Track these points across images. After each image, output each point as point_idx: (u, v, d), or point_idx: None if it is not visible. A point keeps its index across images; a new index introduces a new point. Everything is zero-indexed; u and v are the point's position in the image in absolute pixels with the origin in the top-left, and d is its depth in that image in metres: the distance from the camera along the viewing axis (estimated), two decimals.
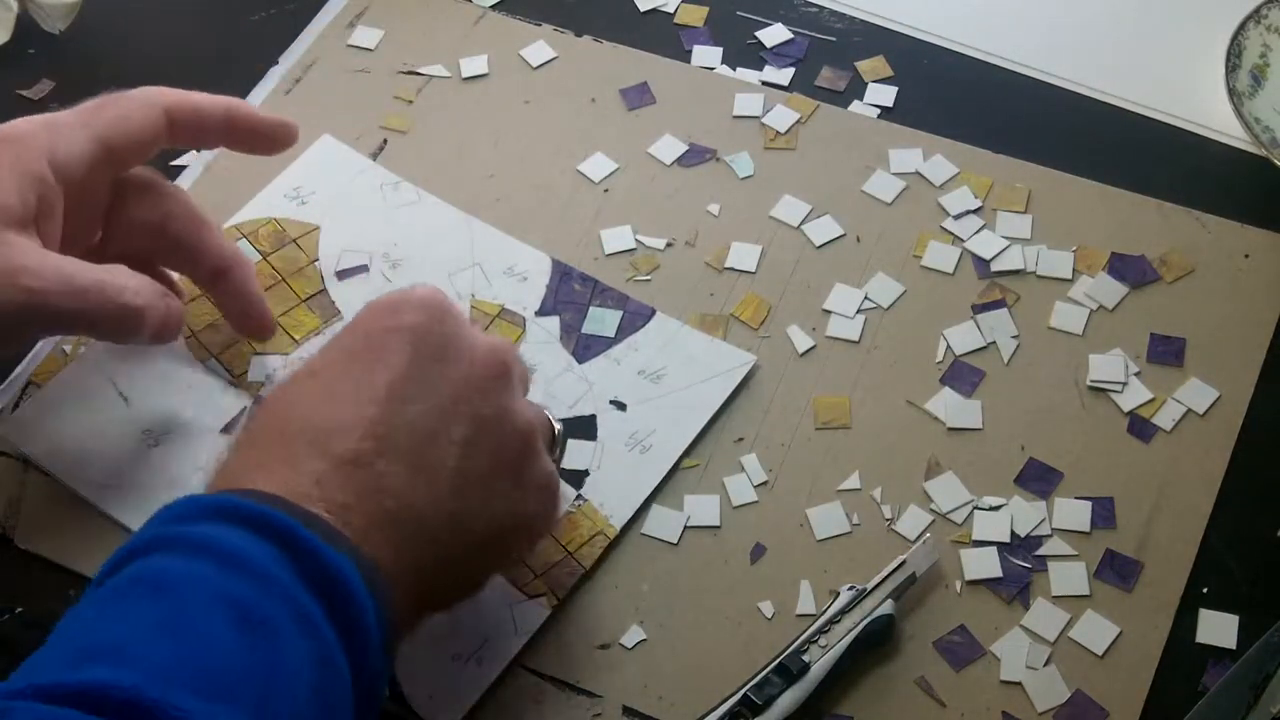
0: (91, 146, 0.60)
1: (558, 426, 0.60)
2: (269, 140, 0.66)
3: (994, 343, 0.68)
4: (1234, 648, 0.60)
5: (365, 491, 0.50)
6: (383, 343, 0.53)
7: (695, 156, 0.75)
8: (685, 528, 0.64)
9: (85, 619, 0.46)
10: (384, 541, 0.49)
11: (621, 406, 0.67)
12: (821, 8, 0.81)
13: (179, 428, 0.66)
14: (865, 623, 0.59)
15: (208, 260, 0.64)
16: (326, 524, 0.48)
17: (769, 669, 0.58)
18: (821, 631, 0.59)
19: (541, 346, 0.68)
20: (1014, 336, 0.68)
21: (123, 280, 0.58)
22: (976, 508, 0.63)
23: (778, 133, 0.75)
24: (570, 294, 0.70)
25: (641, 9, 0.81)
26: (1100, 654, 0.60)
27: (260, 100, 0.78)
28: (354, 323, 0.55)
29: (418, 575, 0.51)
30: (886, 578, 0.60)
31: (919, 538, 0.62)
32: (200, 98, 0.65)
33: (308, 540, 0.47)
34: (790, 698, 0.57)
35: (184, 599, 0.45)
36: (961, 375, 0.67)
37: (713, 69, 0.78)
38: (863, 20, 0.80)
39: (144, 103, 0.63)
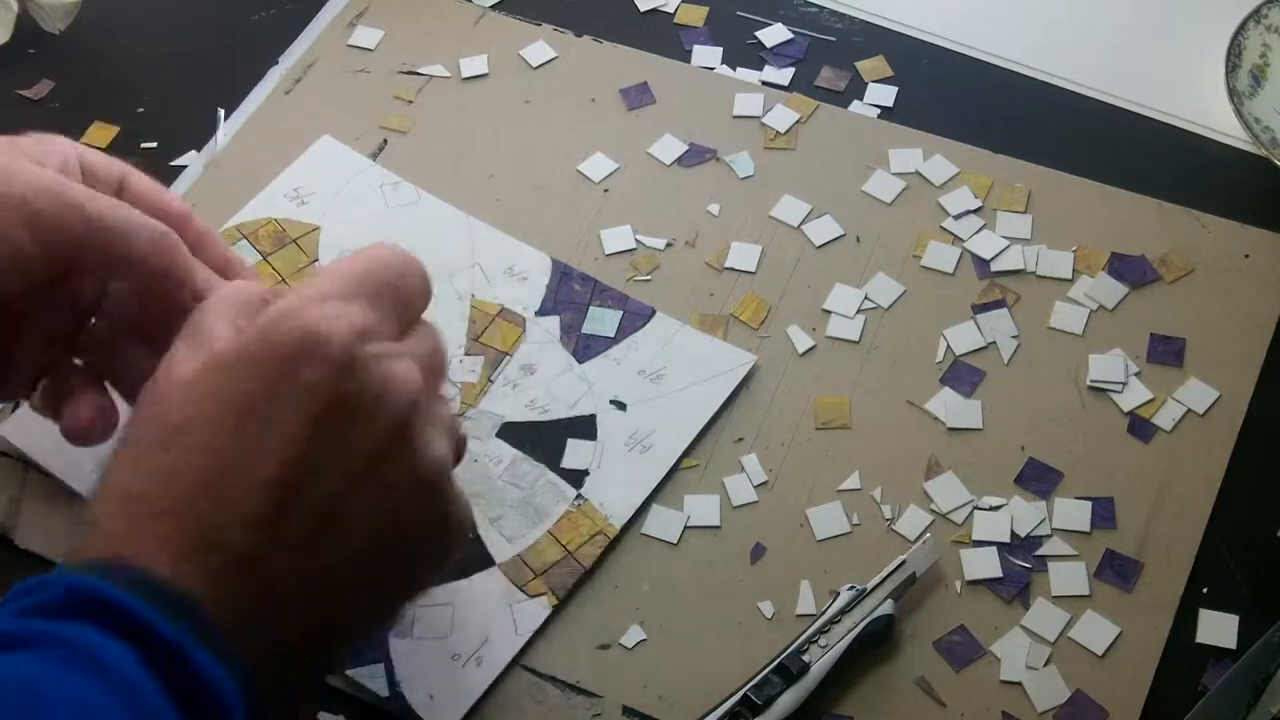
0: (113, 168, 0.58)
1: (463, 428, 0.54)
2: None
3: (994, 343, 0.68)
4: (1234, 648, 0.60)
5: (257, 589, 0.45)
6: (281, 398, 0.45)
7: (695, 156, 0.75)
8: (685, 528, 0.64)
9: None
10: (271, 624, 0.45)
11: (621, 406, 0.67)
12: (821, 8, 0.81)
13: None
14: (865, 623, 0.59)
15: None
16: (205, 617, 0.43)
17: (769, 669, 0.58)
18: (821, 631, 0.59)
19: (541, 346, 0.68)
20: (1014, 336, 0.68)
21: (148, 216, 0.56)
22: (976, 508, 0.63)
23: (778, 133, 0.75)
24: (570, 294, 0.70)
25: (641, 9, 0.81)
26: (1100, 654, 0.60)
27: (260, 100, 0.78)
28: (250, 352, 0.46)
29: (311, 641, 0.47)
30: (886, 578, 0.60)
31: (919, 538, 0.62)
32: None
33: (179, 648, 0.42)
34: (790, 698, 0.57)
35: (43, 712, 0.40)
36: (961, 375, 0.67)
37: (713, 69, 0.78)
38: (863, 20, 0.80)
39: (167, 197, 0.59)
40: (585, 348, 0.69)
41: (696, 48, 0.79)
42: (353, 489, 0.46)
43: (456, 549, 0.51)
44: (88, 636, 0.41)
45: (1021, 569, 0.62)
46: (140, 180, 0.58)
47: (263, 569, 0.45)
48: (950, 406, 0.66)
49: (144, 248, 0.55)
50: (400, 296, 0.49)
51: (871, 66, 0.78)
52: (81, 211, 0.53)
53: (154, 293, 0.56)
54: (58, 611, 0.42)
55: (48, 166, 0.55)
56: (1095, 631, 0.60)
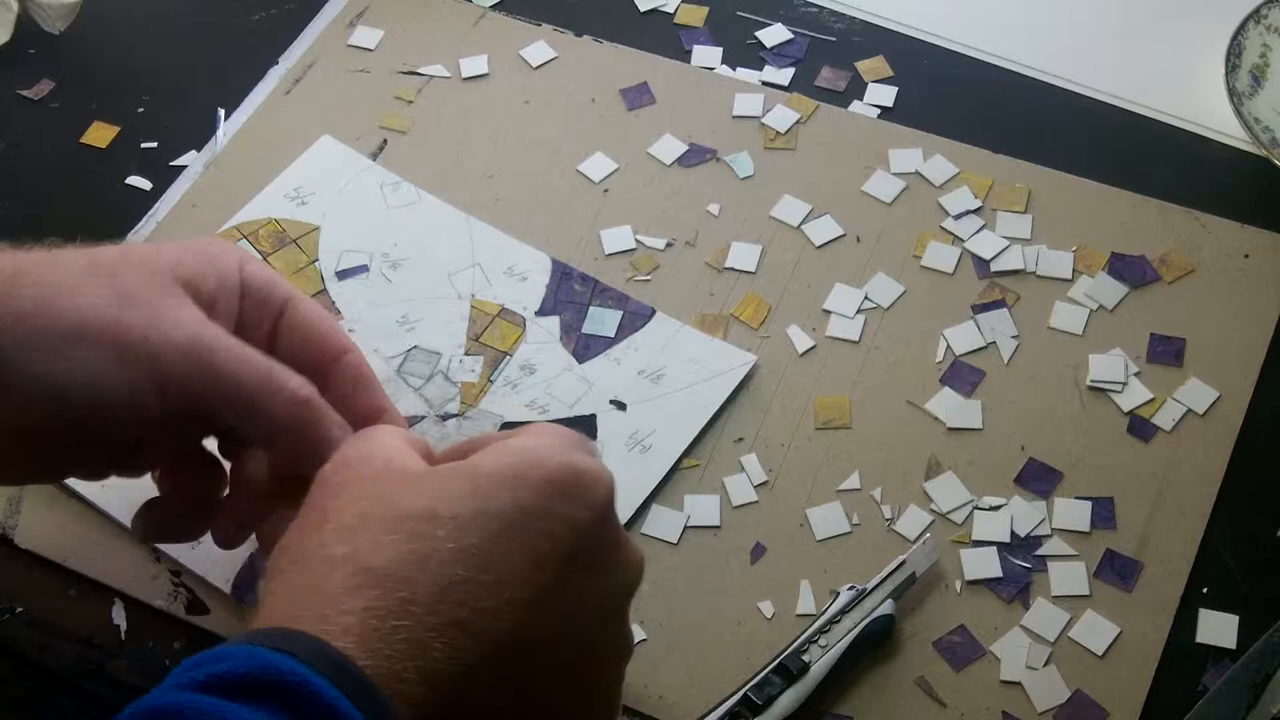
0: (276, 293, 0.55)
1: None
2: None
3: (994, 343, 0.68)
4: (1234, 648, 0.60)
5: (465, 706, 0.44)
6: (544, 526, 0.45)
7: (695, 156, 0.75)
8: (685, 528, 0.64)
9: None
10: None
11: (621, 406, 0.67)
12: (821, 8, 0.81)
13: None
14: (865, 623, 0.59)
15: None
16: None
17: (769, 669, 0.58)
18: (821, 631, 0.59)
19: (541, 346, 0.68)
20: (1014, 336, 0.68)
21: (291, 371, 0.53)
22: (976, 508, 0.63)
23: (778, 133, 0.75)
24: (570, 294, 0.70)
25: (641, 9, 0.81)
26: (1100, 654, 0.60)
27: (260, 100, 0.78)
28: (518, 473, 0.46)
29: None
30: (886, 578, 0.60)
31: (919, 538, 0.62)
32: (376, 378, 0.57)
33: None
34: (790, 698, 0.57)
35: None
36: (961, 375, 0.67)
37: (713, 69, 0.78)
38: (863, 20, 0.80)
39: (337, 328, 0.57)
40: (585, 348, 0.69)
41: (696, 48, 0.79)
42: (577, 627, 0.47)
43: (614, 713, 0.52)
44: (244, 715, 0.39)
45: (1021, 569, 0.62)
46: (302, 310, 0.56)
47: (476, 686, 0.44)
48: (950, 406, 0.66)
49: (279, 413, 0.52)
50: None
51: (871, 66, 0.78)
52: (216, 376, 0.51)
53: (286, 450, 0.54)
54: (240, 690, 0.40)
55: (204, 288, 0.52)
56: (1095, 631, 0.60)
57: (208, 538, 0.60)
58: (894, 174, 0.74)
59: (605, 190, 0.74)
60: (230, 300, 0.54)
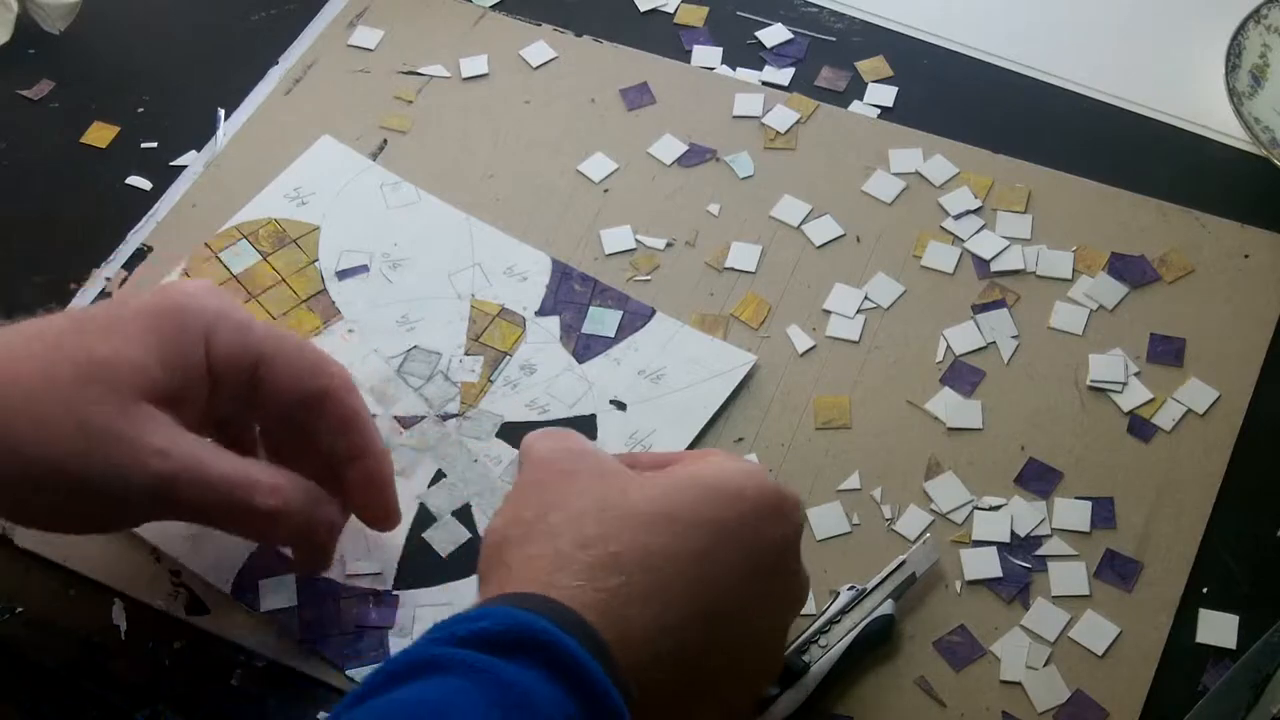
0: (247, 356, 0.56)
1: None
2: (370, 510, 0.60)
3: (994, 343, 0.68)
4: (1234, 648, 0.60)
5: (663, 689, 0.48)
6: (760, 543, 0.51)
7: (695, 156, 0.75)
8: None
9: None
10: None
11: (621, 406, 0.67)
12: (821, 8, 0.81)
13: None
14: (865, 623, 0.59)
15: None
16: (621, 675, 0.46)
17: None
18: (821, 631, 0.59)
19: (541, 346, 0.68)
20: (1014, 336, 0.68)
21: (258, 477, 0.54)
22: (976, 508, 0.63)
23: (778, 133, 0.75)
24: (570, 294, 0.70)
25: (641, 9, 0.81)
26: (1100, 654, 0.60)
27: (260, 100, 0.78)
28: (739, 487, 0.51)
29: None
30: (886, 578, 0.60)
31: (919, 538, 0.62)
32: (363, 412, 0.59)
33: (600, 685, 0.44)
34: (790, 698, 0.57)
35: None
36: (961, 375, 0.67)
37: (713, 69, 0.78)
38: (863, 20, 0.80)
39: (319, 365, 0.58)
40: (585, 348, 0.69)
41: (696, 48, 0.79)
42: (754, 638, 0.52)
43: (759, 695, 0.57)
44: (508, 672, 0.43)
45: (1021, 569, 0.62)
46: (280, 364, 0.56)
47: (684, 673, 0.48)
48: (950, 406, 0.66)
49: (257, 523, 0.55)
50: None
51: (871, 66, 0.78)
52: (186, 507, 0.53)
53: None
54: (498, 646, 0.44)
55: (169, 388, 0.53)
56: (1095, 631, 0.60)
57: (207, 537, 0.60)
58: (894, 174, 0.74)
59: (605, 190, 0.74)
60: (198, 386, 0.55)
